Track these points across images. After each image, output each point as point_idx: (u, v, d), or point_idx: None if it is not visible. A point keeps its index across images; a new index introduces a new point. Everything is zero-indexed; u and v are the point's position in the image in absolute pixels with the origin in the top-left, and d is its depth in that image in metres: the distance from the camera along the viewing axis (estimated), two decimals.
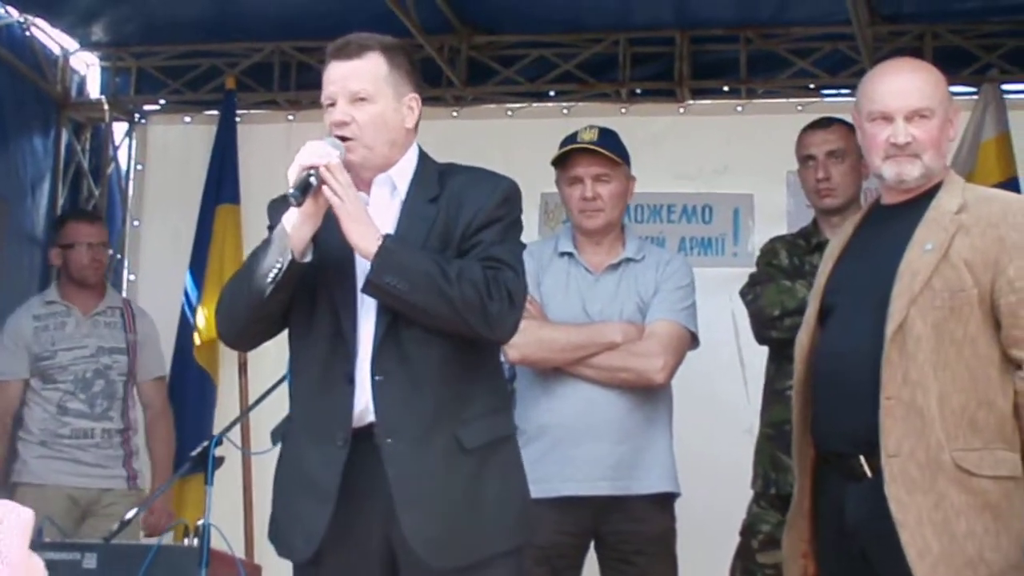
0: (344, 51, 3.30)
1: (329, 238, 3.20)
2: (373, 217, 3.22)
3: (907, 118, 3.39)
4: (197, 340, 6.32)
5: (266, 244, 3.24)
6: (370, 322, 3.23)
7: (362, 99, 3.25)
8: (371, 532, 3.21)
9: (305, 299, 3.26)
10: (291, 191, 3.11)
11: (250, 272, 3.23)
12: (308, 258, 3.18)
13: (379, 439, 3.18)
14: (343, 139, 3.23)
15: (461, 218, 3.28)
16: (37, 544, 1.43)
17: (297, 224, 3.15)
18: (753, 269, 4.76)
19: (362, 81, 3.26)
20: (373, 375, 3.20)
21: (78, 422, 5.64)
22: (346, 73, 3.27)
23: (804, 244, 4.67)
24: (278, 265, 3.14)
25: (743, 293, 4.67)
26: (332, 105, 3.29)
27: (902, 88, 3.43)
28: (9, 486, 5.44)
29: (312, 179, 3.11)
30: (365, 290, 3.18)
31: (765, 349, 4.68)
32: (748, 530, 4.64)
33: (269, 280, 3.15)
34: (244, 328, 3.35)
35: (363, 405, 3.21)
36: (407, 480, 3.16)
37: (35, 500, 5.30)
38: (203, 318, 6.31)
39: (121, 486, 5.74)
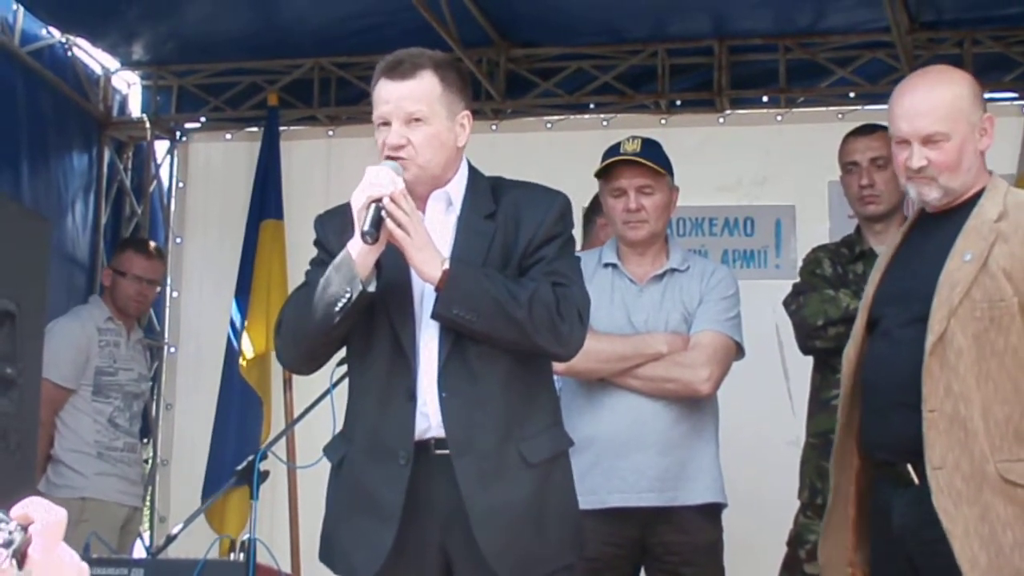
0: (397, 71, 3.23)
1: (385, 257, 3.17)
2: (430, 233, 3.19)
3: (922, 142, 3.36)
4: (243, 362, 6.34)
5: (330, 270, 3.17)
6: (431, 338, 3.22)
7: (417, 120, 3.20)
8: (428, 544, 3.22)
9: (363, 318, 3.23)
10: (366, 229, 3.06)
11: (315, 301, 3.19)
12: (373, 287, 3.15)
13: (452, 456, 3.17)
14: (397, 160, 3.20)
15: (521, 235, 3.27)
16: (84, 560, 1.42)
17: (363, 253, 3.12)
18: (796, 280, 4.73)
19: (417, 103, 3.20)
20: (440, 391, 3.19)
21: (126, 438, 5.80)
22: (401, 94, 3.21)
23: (847, 253, 4.64)
24: (347, 295, 3.11)
25: (786, 303, 4.64)
26: (384, 124, 3.24)
27: (915, 111, 3.38)
28: (74, 500, 5.48)
29: (383, 212, 3.08)
30: (434, 318, 3.18)
31: (810, 360, 4.65)
32: (795, 540, 4.62)
33: (337, 309, 3.13)
34: (308, 354, 3.34)
35: (426, 421, 3.21)
36: (479, 496, 3.16)
37: (102, 515, 5.51)
38: (248, 338, 6.33)
39: (141, 504, 6.08)
